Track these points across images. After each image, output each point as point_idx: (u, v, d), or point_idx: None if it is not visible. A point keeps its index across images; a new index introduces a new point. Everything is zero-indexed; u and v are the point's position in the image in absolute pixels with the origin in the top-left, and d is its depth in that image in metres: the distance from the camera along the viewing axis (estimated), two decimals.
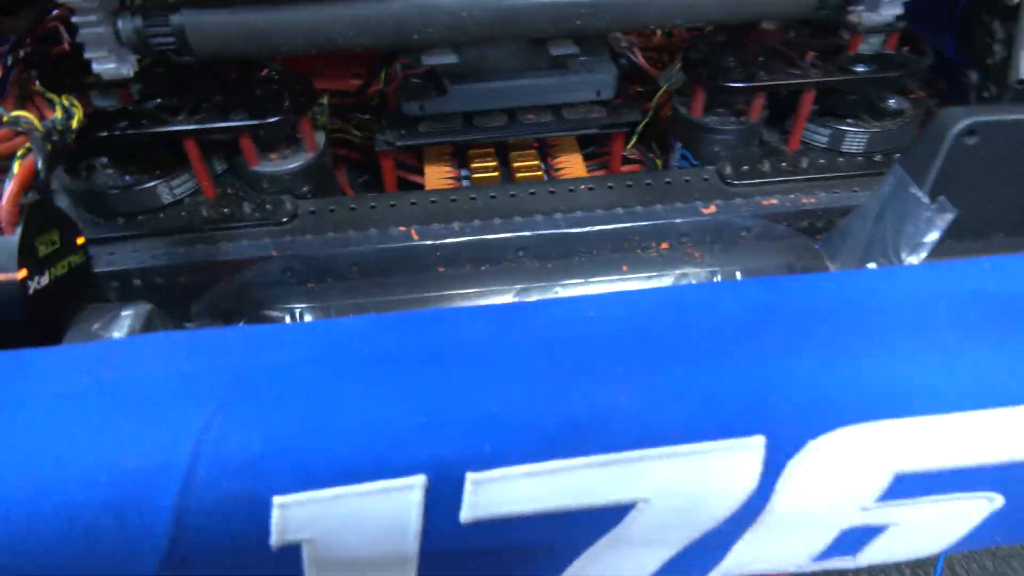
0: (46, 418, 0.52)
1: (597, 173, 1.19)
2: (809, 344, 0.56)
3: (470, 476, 0.52)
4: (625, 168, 1.21)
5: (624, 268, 1.01)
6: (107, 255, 0.95)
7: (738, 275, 1.02)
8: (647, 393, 0.54)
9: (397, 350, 0.56)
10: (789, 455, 0.54)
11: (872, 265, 0.68)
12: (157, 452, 0.51)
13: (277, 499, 0.51)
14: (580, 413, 0.54)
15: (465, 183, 1.14)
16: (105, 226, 0.98)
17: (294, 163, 1.02)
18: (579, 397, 0.54)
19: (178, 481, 0.50)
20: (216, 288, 0.97)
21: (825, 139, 1.08)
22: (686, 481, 0.55)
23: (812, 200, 1.01)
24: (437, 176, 1.14)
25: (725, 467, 0.54)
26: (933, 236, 0.72)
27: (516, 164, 1.13)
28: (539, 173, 1.12)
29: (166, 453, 0.51)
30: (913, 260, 0.74)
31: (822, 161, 1.06)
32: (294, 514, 0.51)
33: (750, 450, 0.54)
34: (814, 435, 0.54)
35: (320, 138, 1.05)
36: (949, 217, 0.72)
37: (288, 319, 0.98)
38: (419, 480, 0.52)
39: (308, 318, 0.98)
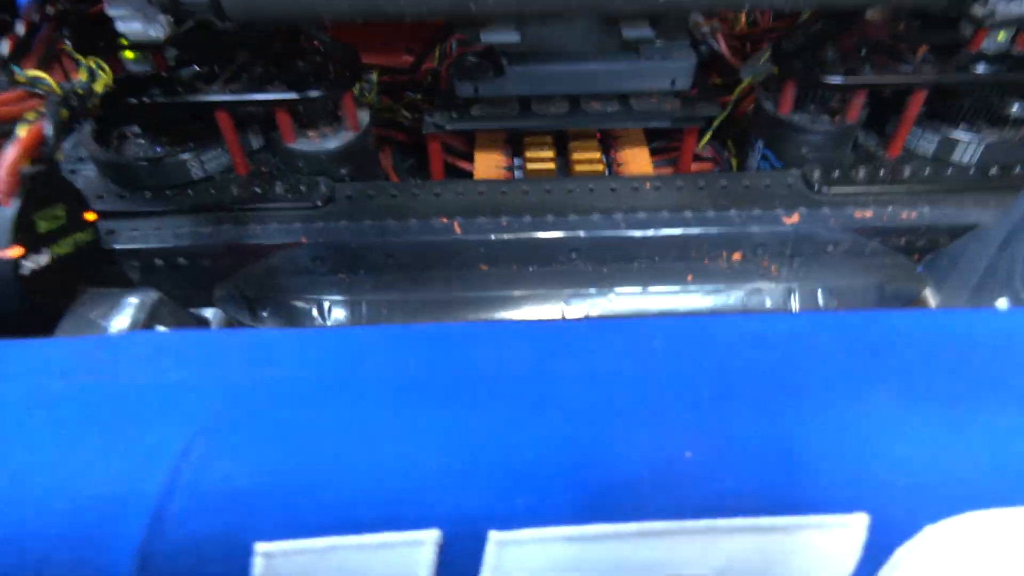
0: (3, 428, 0.44)
1: (664, 171, 1.07)
2: (931, 403, 0.45)
3: (493, 536, 0.43)
4: (696, 167, 1.09)
5: (689, 278, 0.90)
6: (129, 231, 0.88)
7: (819, 295, 0.90)
8: (721, 449, 0.44)
9: (417, 373, 0.47)
10: (898, 540, 0.43)
11: (1002, 303, 0.56)
12: (126, 479, 0.43)
13: (260, 546, 0.42)
14: (635, 468, 0.44)
15: (518, 173, 1.04)
16: (131, 199, 0.91)
17: (333, 143, 0.94)
18: (635, 448, 0.44)
19: (147, 515, 0.42)
20: (240, 273, 0.90)
21: (932, 146, 0.94)
22: (762, 561, 0.44)
23: (913, 215, 0.88)
24: (488, 164, 1.04)
25: (815, 548, 0.43)
26: None
27: (575, 156, 1.03)
28: (600, 167, 1.01)
29: (136, 481, 0.43)
30: None
31: (927, 171, 0.92)
32: (280, 565, 0.42)
33: (848, 530, 0.43)
34: (933, 519, 0.43)
35: (364, 117, 0.96)
36: None
37: (315, 312, 0.90)
38: (431, 536, 0.42)
39: (337, 313, 0.90)
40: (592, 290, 0.90)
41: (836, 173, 0.92)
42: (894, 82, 0.88)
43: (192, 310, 0.87)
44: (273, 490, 0.43)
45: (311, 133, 0.95)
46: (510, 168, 1.04)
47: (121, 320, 0.64)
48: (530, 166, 1.02)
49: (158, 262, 0.89)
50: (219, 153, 0.94)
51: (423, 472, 0.43)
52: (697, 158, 1.11)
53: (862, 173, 0.92)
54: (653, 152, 1.09)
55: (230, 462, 0.44)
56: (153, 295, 0.66)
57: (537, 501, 0.43)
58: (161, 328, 0.66)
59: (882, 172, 0.92)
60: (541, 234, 0.87)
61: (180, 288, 0.92)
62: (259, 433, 0.45)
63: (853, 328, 0.50)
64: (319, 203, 0.91)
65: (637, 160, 1.05)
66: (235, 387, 0.48)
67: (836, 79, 0.87)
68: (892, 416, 0.44)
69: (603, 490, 0.43)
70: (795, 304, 0.89)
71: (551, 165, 1.02)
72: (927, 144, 0.95)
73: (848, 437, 0.44)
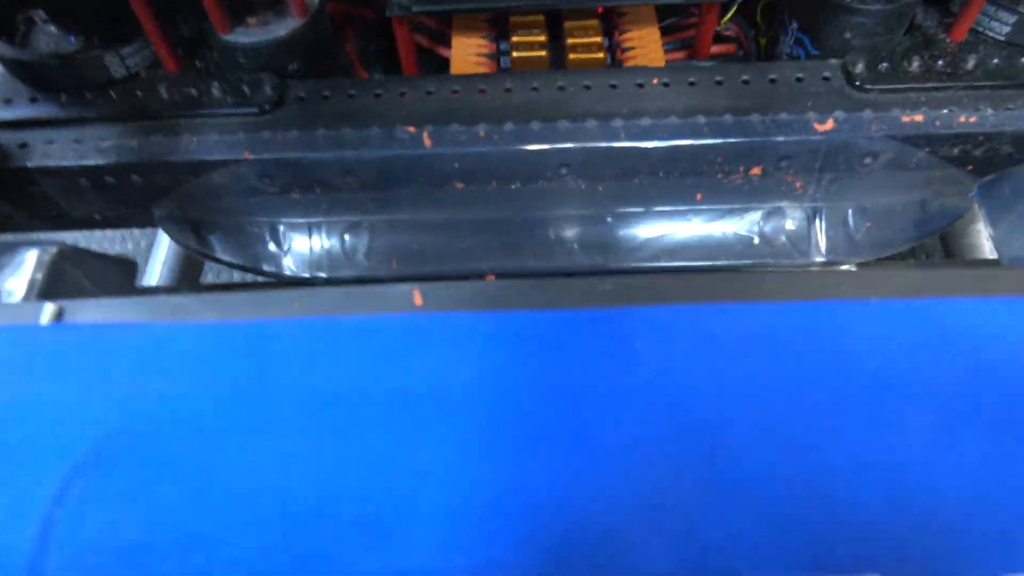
0: None
1: (677, 56, 0.90)
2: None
3: None
4: (716, 49, 0.92)
5: (699, 197, 0.77)
6: (45, 144, 0.76)
7: (850, 217, 0.77)
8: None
9: (345, 384, 0.37)
10: None
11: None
12: None
13: None
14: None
15: (504, 61, 0.88)
16: (44, 104, 0.78)
17: (278, 31, 0.78)
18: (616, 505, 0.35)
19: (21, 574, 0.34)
20: (182, 190, 0.78)
21: (1008, 28, 0.77)
22: None
23: (973, 119, 0.73)
24: (467, 51, 0.88)
25: None
26: None
27: (571, 41, 0.86)
28: (600, 55, 0.85)
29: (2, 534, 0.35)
30: None
31: (996, 61, 0.76)
32: None
33: None
34: None
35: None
36: None
37: (269, 238, 0.79)
38: None
39: (295, 239, 0.79)
40: (587, 212, 0.77)
41: (884, 65, 0.76)
42: None
43: (117, 253, 0.76)
44: (160, 545, 0.35)
45: (250, 20, 0.79)
46: (494, 56, 0.88)
47: (16, 282, 0.54)
48: (516, 54, 0.86)
49: (83, 182, 0.77)
50: (142, 46, 0.79)
51: (342, 527, 0.34)
52: (718, 38, 0.93)
53: (916, 64, 0.76)
54: (665, 32, 0.91)
55: (111, 509, 0.35)
56: (52, 250, 0.55)
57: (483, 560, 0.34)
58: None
59: (940, 63, 0.76)
60: (525, 147, 0.73)
61: (114, 208, 0.81)
62: (145, 471, 0.36)
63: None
64: (265, 108, 0.77)
65: (646, 44, 0.88)
66: (121, 407, 0.38)
67: None
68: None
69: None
70: (819, 228, 0.77)
71: (542, 53, 0.86)
72: (1001, 25, 0.77)
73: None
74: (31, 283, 0.54)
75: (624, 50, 0.87)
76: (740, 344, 0.40)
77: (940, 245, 0.93)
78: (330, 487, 0.35)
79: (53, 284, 0.56)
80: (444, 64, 0.89)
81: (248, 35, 0.78)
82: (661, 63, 0.86)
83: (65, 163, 0.75)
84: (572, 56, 0.86)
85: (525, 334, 0.40)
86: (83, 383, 0.39)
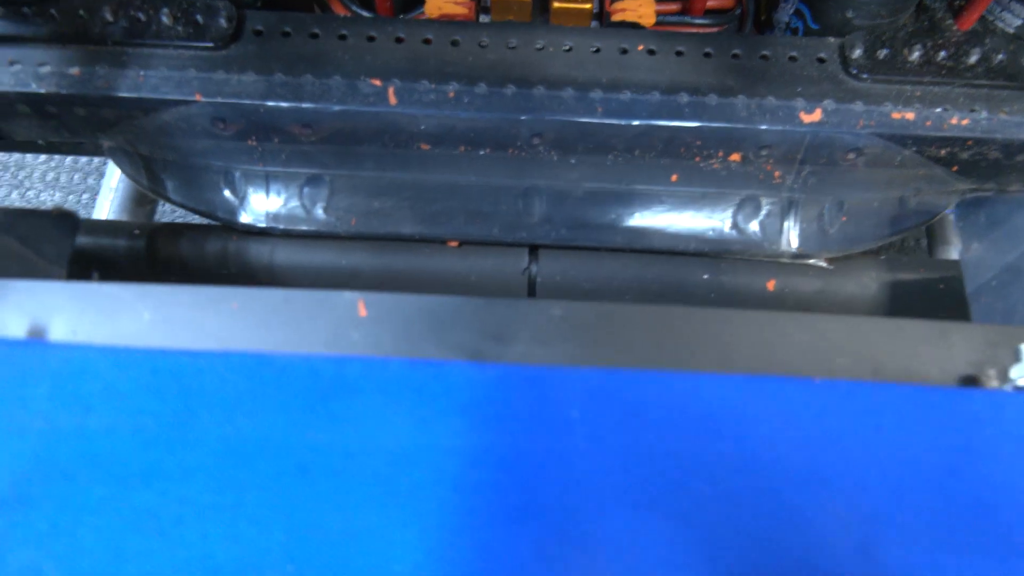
0: None
1: (670, 8, 0.84)
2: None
3: None
4: (712, 3, 0.86)
5: (674, 178, 0.74)
6: None
7: (825, 208, 0.75)
8: None
9: (277, 431, 0.36)
10: None
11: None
12: None
13: None
14: None
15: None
16: None
17: None
18: None
19: None
20: (131, 124, 0.73)
21: (1020, 21, 0.72)
22: None
23: (965, 121, 0.70)
24: None
25: None
26: None
27: None
28: (587, 7, 0.79)
29: None
30: None
31: (1000, 57, 0.72)
32: None
33: None
34: None
35: None
36: None
37: (224, 184, 0.75)
38: None
39: (251, 188, 0.75)
40: (557, 183, 0.74)
41: (884, 52, 0.72)
42: None
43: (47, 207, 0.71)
44: None
45: None
46: None
47: None
48: None
49: (23, 109, 0.72)
50: None
51: None
52: None
53: (916, 54, 0.72)
54: None
55: (25, 553, 0.35)
56: None
57: None
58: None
59: (943, 54, 0.72)
60: (496, 115, 0.69)
61: (58, 135, 0.76)
62: (66, 514, 0.36)
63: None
64: (219, 43, 0.71)
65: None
66: (37, 447, 0.37)
67: None
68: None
69: None
70: (793, 220, 0.75)
71: None
72: (1012, 16, 0.73)
73: None
74: None
75: (613, 0, 0.81)
76: (668, 416, 0.40)
77: (926, 234, 0.91)
78: (252, 545, 0.35)
79: None
80: (411, 15, 0.83)
81: None
82: (652, 19, 0.80)
83: (1, 88, 0.70)
84: (556, 4, 0.79)
85: (461, 388, 0.39)
86: (22, 403, 0.38)
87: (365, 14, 0.82)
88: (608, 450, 0.37)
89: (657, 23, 0.82)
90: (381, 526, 0.35)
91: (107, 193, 0.92)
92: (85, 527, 0.35)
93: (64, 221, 0.60)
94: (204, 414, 0.38)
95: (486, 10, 0.83)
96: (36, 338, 0.41)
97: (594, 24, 0.83)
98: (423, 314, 0.48)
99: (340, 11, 0.83)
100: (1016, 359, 0.44)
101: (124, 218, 0.96)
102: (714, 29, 0.83)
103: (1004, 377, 0.43)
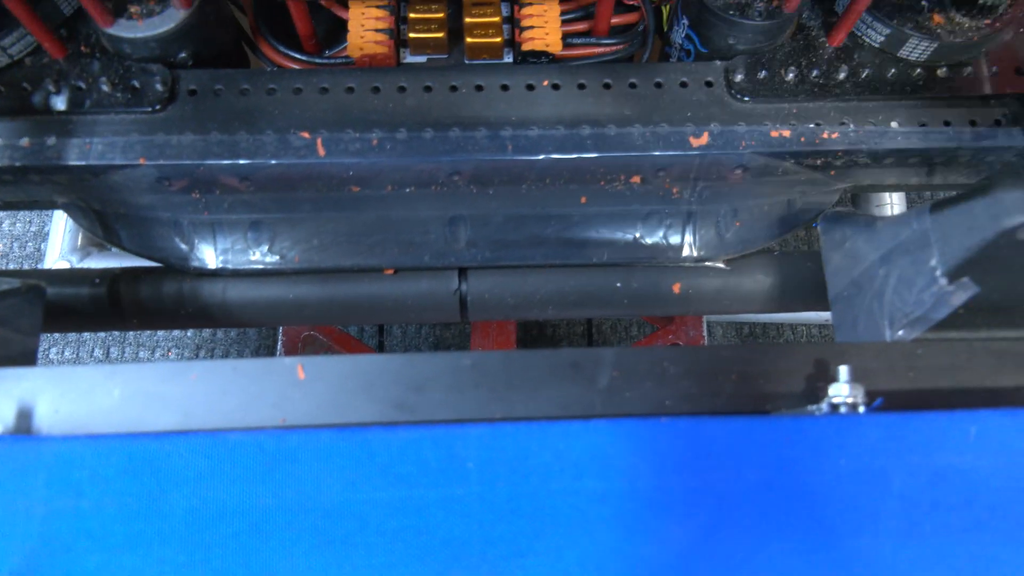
0: None
1: (577, 28, 0.90)
2: None
3: None
4: (618, 20, 0.92)
5: (583, 200, 0.83)
6: None
7: (720, 216, 0.84)
8: None
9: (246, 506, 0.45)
10: None
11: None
12: None
13: None
14: None
15: (404, 30, 0.88)
16: None
17: (162, 25, 0.76)
18: None
19: None
20: (81, 184, 0.79)
21: (882, 38, 0.80)
22: None
23: (835, 135, 0.79)
24: (365, 23, 0.87)
25: None
26: (939, 316, 0.56)
27: (468, 20, 0.86)
28: (497, 40, 0.85)
29: None
30: (903, 335, 0.59)
31: (867, 72, 0.80)
32: None
33: None
34: None
35: None
36: (963, 299, 0.55)
37: (174, 234, 0.82)
38: None
39: (199, 236, 0.82)
40: (477, 212, 0.82)
41: (763, 73, 0.80)
42: None
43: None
44: None
45: (133, 9, 0.76)
46: (391, 30, 0.87)
47: None
48: (413, 35, 0.85)
49: None
50: (23, 32, 0.76)
51: None
52: (621, 7, 0.93)
53: (792, 75, 0.80)
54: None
55: None
56: None
57: None
58: None
59: (815, 73, 0.80)
60: (416, 160, 0.76)
61: (15, 196, 0.82)
62: None
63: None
64: (156, 107, 0.77)
65: (545, 20, 0.88)
66: (40, 527, 0.46)
67: None
68: None
69: None
70: (692, 229, 0.84)
71: (439, 35, 0.85)
72: (875, 33, 0.81)
73: None
74: None
75: (523, 29, 0.88)
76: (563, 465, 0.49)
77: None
78: None
79: None
80: (341, 24, 0.88)
81: (132, 28, 0.76)
82: (559, 46, 0.87)
83: None
84: (469, 40, 0.86)
85: (380, 450, 0.48)
86: (23, 494, 0.46)
87: (293, 54, 0.87)
88: (503, 500, 0.46)
89: (566, 45, 0.89)
90: (324, 571, 0.44)
91: (57, 231, 0.98)
92: None
93: (33, 293, 0.67)
94: (173, 489, 0.47)
95: (405, 43, 0.89)
96: (28, 434, 0.50)
97: (506, 51, 0.89)
98: (353, 372, 0.57)
99: (268, 52, 0.88)
100: (834, 378, 0.53)
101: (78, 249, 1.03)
102: (619, 47, 0.90)
103: (825, 396, 0.53)
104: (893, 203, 1.29)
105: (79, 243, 1.02)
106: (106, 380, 0.56)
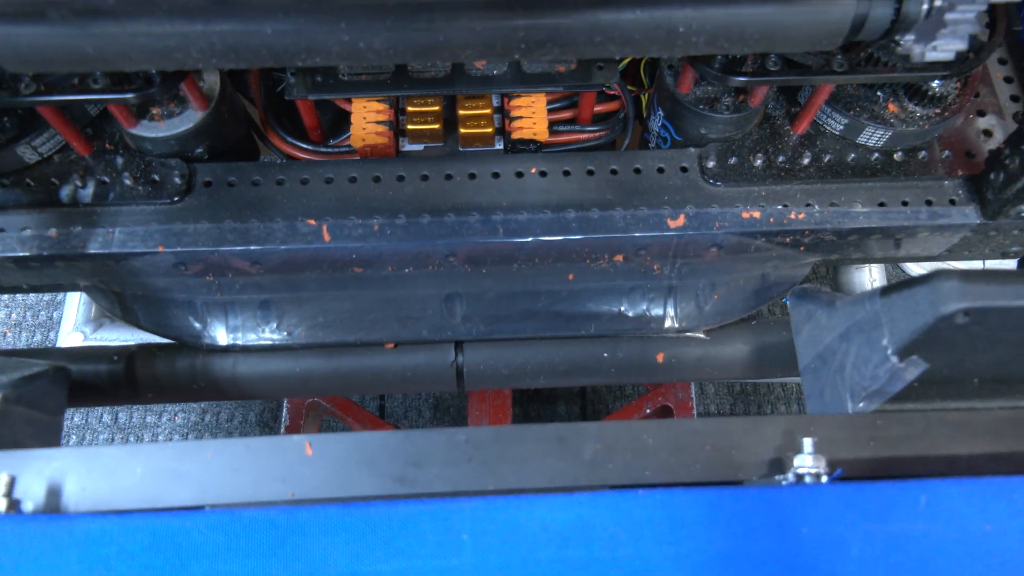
0: None
1: (563, 115, 0.98)
2: None
3: None
4: (600, 108, 1.00)
5: (570, 277, 0.89)
6: None
7: (699, 289, 0.90)
8: None
9: None
10: None
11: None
12: None
13: None
14: None
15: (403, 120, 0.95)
16: None
17: (182, 126, 0.83)
18: None
19: None
20: (103, 269, 0.85)
21: (841, 127, 0.87)
22: None
23: (802, 215, 0.85)
24: (366, 113, 0.94)
25: None
26: (894, 390, 0.62)
27: (462, 112, 0.93)
28: (489, 131, 0.93)
29: None
30: (863, 407, 0.64)
31: (828, 157, 0.87)
32: None
33: None
34: None
35: (213, 86, 0.84)
36: (915, 375, 0.61)
37: (188, 314, 0.88)
38: None
39: (212, 315, 0.88)
40: (472, 291, 0.88)
41: (733, 160, 0.87)
42: (797, 83, 0.79)
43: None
44: None
45: (154, 112, 0.83)
46: (391, 122, 0.94)
47: None
48: (412, 127, 0.93)
49: (8, 265, 0.83)
50: (52, 133, 0.84)
51: None
52: (603, 96, 1.01)
53: (760, 161, 0.87)
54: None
55: None
56: None
57: None
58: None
59: (781, 159, 0.87)
60: (415, 243, 0.83)
61: (40, 281, 0.88)
62: None
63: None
64: (174, 198, 0.83)
65: (533, 112, 0.95)
66: None
67: (738, 80, 0.78)
68: None
69: None
70: (673, 302, 0.90)
71: (435, 126, 0.93)
72: (835, 123, 0.88)
73: None
74: None
75: (512, 119, 0.95)
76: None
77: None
78: None
79: None
80: (345, 116, 0.96)
81: (154, 129, 0.83)
82: (546, 134, 0.94)
83: None
84: (463, 130, 0.93)
85: (380, 524, 0.52)
86: None
87: (300, 144, 0.95)
88: (495, 570, 0.51)
89: (552, 132, 0.96)
90: None
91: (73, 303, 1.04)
92: None
93: (59, 375, 0.73)
94: (193, 563, 0.51)
95: (404, 134, 0.96)
96: (58, 512, 0.54)
97: (498, 139, 0.96)
98: (357, 448, 0.61)
99: (277, 143, 0.96)
100: (799, 450, 0.58)
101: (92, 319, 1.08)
102: (602, 133, 0.98)
103: (791, 467, 0.58)
104: (873, 277, 1.35)
105: (92, 314, 1.08)
106: (129, 459, 0.61)
